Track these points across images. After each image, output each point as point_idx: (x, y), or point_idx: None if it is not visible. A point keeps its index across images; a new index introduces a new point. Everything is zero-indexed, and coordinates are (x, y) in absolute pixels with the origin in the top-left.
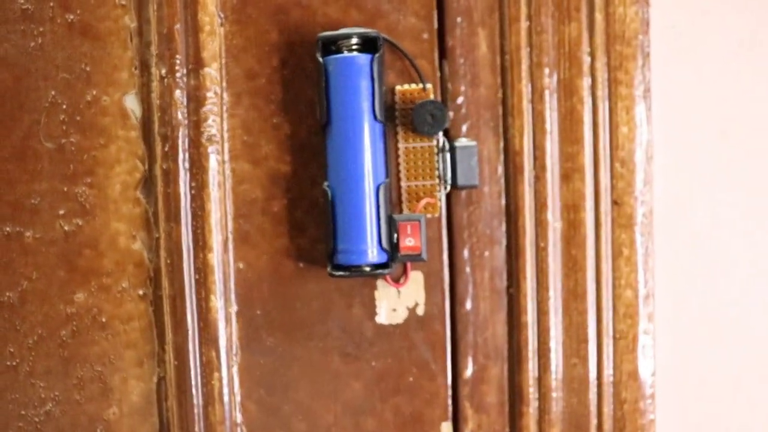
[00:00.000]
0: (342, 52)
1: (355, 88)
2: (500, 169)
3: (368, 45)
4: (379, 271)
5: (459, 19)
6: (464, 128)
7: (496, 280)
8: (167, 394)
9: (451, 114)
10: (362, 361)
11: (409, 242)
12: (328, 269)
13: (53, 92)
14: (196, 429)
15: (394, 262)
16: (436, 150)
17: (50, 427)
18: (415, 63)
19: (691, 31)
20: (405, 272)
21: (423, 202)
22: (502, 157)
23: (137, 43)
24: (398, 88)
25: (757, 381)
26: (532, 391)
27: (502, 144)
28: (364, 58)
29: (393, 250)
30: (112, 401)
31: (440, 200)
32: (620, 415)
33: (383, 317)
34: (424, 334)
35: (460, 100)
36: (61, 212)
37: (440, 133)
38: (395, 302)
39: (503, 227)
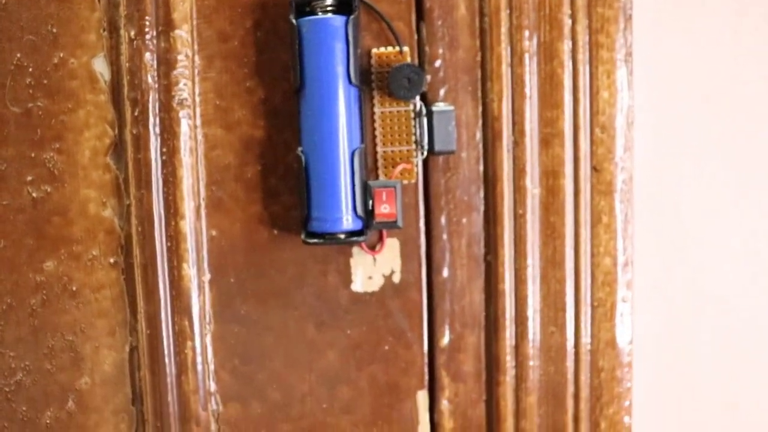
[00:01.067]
0: (316, 14)
1: (329, 52)
2: (478, 135)
3: (343, 6)
4: (354, 238)
5: None
6: (442, 92)
7: (474, 247)
8: (140, 363)
9: (428, 78)
10: (337, 329)
11: (384, 209)
12: (302, 237)
13: (19, 54)
14: (169, 398)
15: (370, 229)
16: (412, 115)
17: (21, 397)
18: (392, 25)
19: None
20: (381, 239)
21: (399, 167)
22: (480, 122)
23: (105, 4)
24: (374, 51)
25: (735, 351)
26: (509, 360)
27: (480, 109)
28: (338, 20)
29: (368, 217)
30: (84, 371)
31: (417, 166)
32: (597, 383)
33: (359, 285)
34: (400, 302)
35: (437, 63)
36: (29, 179)
37: (417, 98)
38: (371, 270)
39: (481, 194)
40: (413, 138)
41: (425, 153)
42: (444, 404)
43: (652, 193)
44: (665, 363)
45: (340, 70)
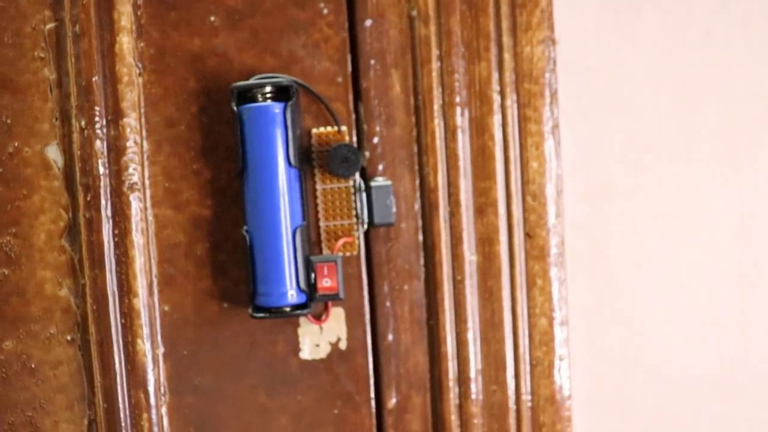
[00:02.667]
0: (257, 100)
1: (269, 136)
2: (417, 206)
3: (282, 92)
4: (299, 311)
5: (372, 62)
6: (380, 167)
7: (416, 312)
8: None
9: (367, 154)
10: (288, 396)
11: (326, 283)
12: (250, 311)
13: None
14: None
15: (313, 302)
16: (352, 190)
17: None
18: (330, 106)
19: (598, 65)
20: (326, 309)
21: (341, 241)
22: (418, 194)
23: (57, 95)
24: (314, 131)
25: (671, 402)
26: (454, 419)
27: (417, 181)
28: (277, 107)
29: (311, 290)
30: None
31: (358, 238)
32: None
33: (307, 353)
34: (348, 367)
35: (375, 140)
36: None
37: (356, 174)
38: (318, 338)
39: (421, 262)
40: (354, 212)
41: (366, 226)
42: None
43: (585, 254)
44: (603, 416)
45: (280, 153)
